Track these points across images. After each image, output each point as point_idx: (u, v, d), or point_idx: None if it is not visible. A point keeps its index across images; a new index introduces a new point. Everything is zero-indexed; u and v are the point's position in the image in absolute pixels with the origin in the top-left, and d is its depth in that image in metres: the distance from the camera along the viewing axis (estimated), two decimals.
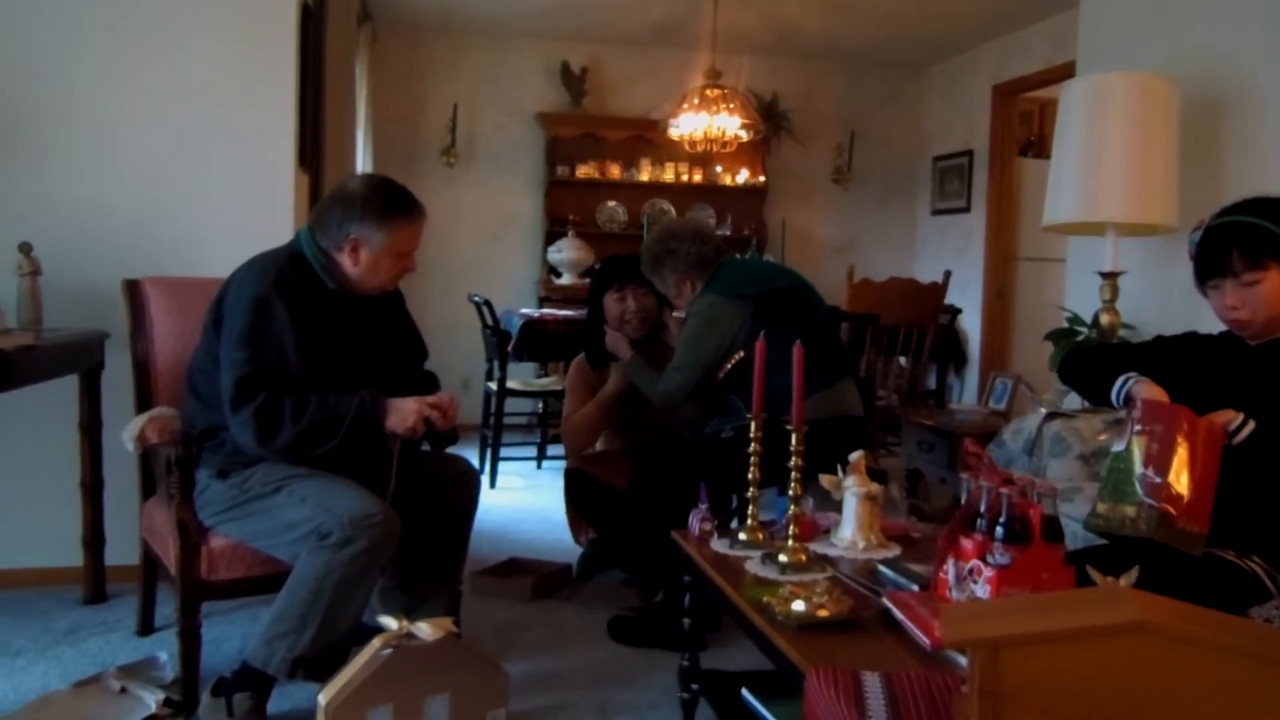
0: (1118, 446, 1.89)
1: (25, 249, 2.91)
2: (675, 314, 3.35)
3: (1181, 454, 1.79)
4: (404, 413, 2.32)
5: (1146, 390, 1.95)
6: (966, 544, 1.69)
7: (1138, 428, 1.86)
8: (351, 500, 2.19)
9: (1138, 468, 1.83)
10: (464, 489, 2.59)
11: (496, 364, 4.92)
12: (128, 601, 2.97)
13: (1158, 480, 1.79)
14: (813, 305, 3.10)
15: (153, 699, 2.31)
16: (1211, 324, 2.10)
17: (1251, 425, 1.82)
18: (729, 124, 5.66)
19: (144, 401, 2.75)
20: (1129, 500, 1.83)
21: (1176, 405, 1.87)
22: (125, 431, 2.61)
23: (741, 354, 2.94)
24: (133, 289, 2.81)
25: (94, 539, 3.11)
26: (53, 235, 3.05)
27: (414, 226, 2.41)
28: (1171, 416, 1.83)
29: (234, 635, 2.80)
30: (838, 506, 2.24)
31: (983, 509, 1.68)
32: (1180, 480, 1.79)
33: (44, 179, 3.16)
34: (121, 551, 3.07)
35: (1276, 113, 3.14)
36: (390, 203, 2.37)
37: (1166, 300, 3.45)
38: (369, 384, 2.33)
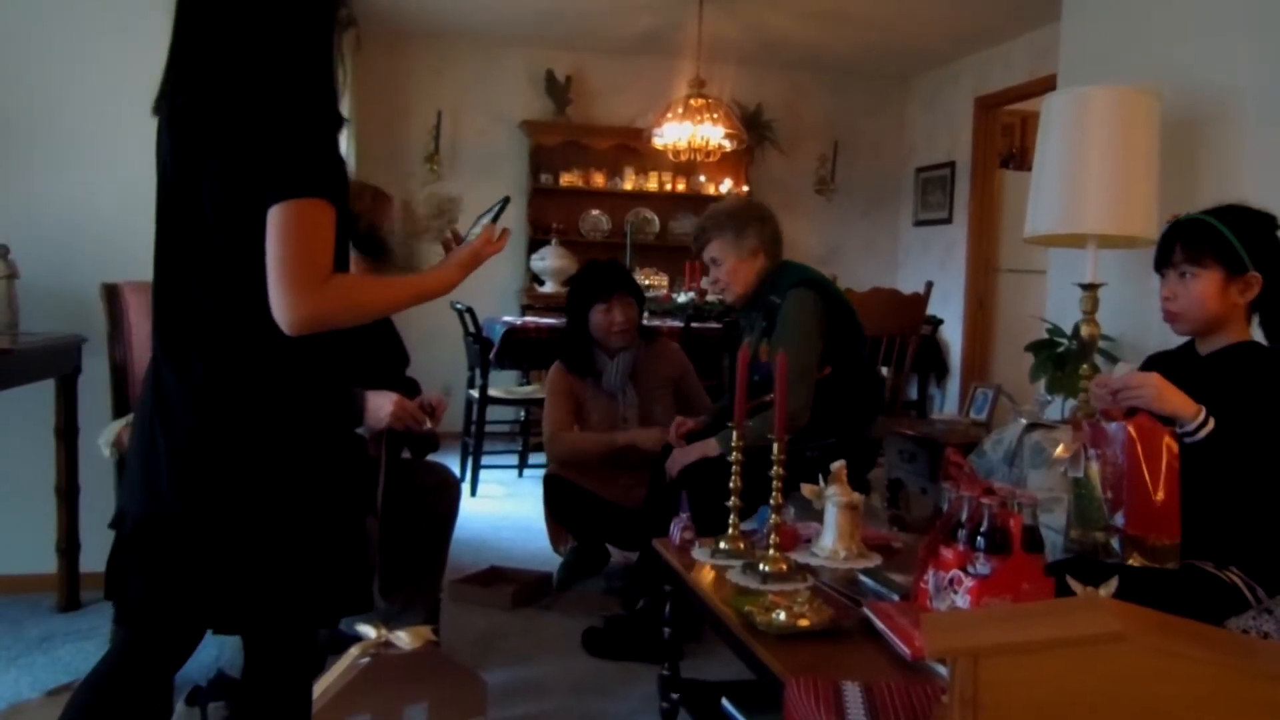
0: (1075, 473, 1.89)
1: (2, 252, 2.89)
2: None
3: (1137, 472, 1.80)
4: (381, 406, 2.31)
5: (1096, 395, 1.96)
6: (947, 554, 1.69)
7: (1091, 453, 1.86)
8: None
9: (1098, 492, 1.84)
10: (444, 497, 2.59)
11: (478, 371, 4.90)
12: (102, 609, 2.93)
13: (1119, 503, 1.80)
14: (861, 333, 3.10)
15: None
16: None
17: (1210, 425, 1.82)
18: (713, 133, 5.67)
19: (121, 407, 2.72)
20: (1097, 525, 1.84)
21: (1121, 422, 1.87)
22: (101, 437, 2.59)
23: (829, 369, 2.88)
24: (112, 293, 2.79)
25: (69, 545, 3.08)
26: (31, 239, 3.03)
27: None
28: (1118, 436, 1.84)
29: (210, 644, 2.75)
30: (819, 516, 2.24)
31: (963, 519, 1.68)
32: (1141, 497, 1.79)
33: (22, 182, 3.13)
34: (97, 558, 3.00)
35: (1255, 126, 3.16)
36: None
37: (1146, 312, 3.47)
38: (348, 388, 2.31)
